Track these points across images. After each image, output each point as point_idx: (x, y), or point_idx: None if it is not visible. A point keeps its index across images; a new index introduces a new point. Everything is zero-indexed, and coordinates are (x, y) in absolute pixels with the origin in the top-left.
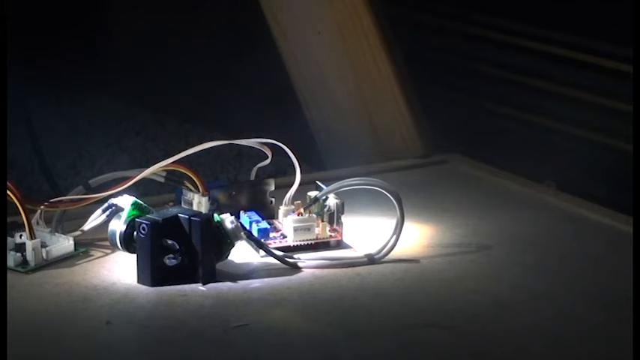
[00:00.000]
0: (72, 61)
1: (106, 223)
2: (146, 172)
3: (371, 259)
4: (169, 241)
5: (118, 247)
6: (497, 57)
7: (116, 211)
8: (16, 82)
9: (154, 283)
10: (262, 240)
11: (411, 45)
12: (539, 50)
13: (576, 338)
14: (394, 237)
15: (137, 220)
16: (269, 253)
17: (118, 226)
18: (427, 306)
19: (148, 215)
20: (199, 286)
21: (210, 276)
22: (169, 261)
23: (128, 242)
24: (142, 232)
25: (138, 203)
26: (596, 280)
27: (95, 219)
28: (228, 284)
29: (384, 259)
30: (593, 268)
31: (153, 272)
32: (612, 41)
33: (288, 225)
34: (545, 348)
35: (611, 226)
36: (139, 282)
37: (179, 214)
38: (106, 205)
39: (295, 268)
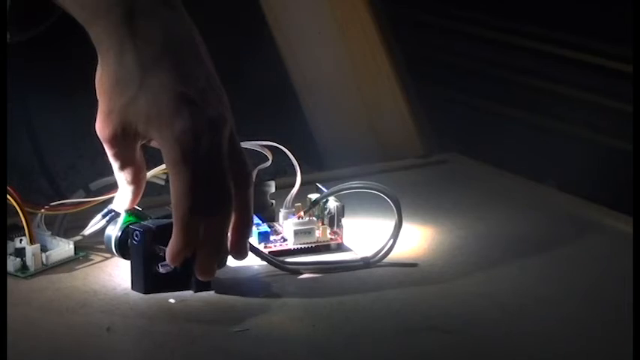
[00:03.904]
0: (72, 61)
1: (105, 228)
2: (146, 175)
3: (367, 263)
4: (162, 249)
5: (113, 252)
6: (498, 57)
7: (115, 216)
8: (16, 82)
9: (147, 290)
10: (261, 244)
11: (411, 45)
12: (539, 50)
13: (576, 339)
14: (391, 241)
15: (131, 226)
16: (266, 260)
17: (113, 231)
18: (428, 309)
19: (142, 222)
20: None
21: (204, 284)
22: (162, 268)
23: (123, 248)
24: (135, 239)
25: (134, 209)
26: (597, 281)
27: (95, 224)
28: (227, 290)
29: (382, 263)
30: (593, 268)
31: (146, 279)
32: (612, 41)
33: (288, 228)
34: (546, 350)
35: (611, 226)
36: (132, 289)
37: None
38: (105, 210)
39: (292, 273)
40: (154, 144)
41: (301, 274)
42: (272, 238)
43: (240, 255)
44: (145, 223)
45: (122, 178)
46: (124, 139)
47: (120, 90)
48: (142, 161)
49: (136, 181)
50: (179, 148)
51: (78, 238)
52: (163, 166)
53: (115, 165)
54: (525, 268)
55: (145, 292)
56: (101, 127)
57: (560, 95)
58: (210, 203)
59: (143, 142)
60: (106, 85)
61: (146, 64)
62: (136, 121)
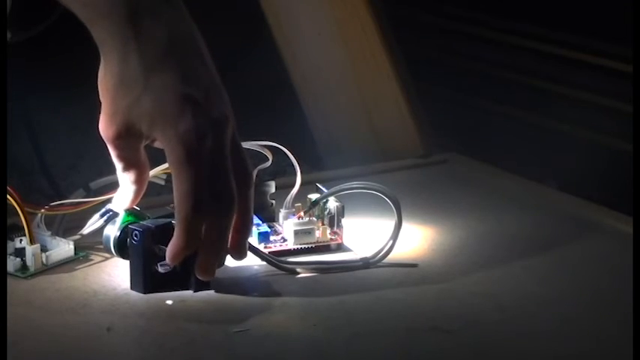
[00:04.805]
0: (73, 60)
1: (104, 227)
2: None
3: (366, 264)
4: (162, 248)
5: (112, 252)
6: (497, 57)
7: (113, 216)
8: (16, 82)
9: (147, 290)
10: (261, 244)
11: (411, 45)
12: (539, 50)
13: (576, 339)
14: (391, 241)
15: (130, 226)
16: (266, 260)
17: (112, 231)
18: (428, 309)
19: (141, 222)
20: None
21: (203, 283)
22: (162, 268)
23: (122, 248)
24: (135, 238)
25: (133, 209)
26: (597, 281)
27: (93, 223)
28: (227, 290)
29: (382, 263)
30: (593, 268)
31: (145, 279)
32: (612, 41)
33: (288, 228)
34: (546, 350)
35: (611, 226)
36: (132, 289)
37: (172, 221)
38: (103, 209)
39: (290, 273)
40: (157, 144)
41: (300, 273)
42: (272, 238)
43: (239, 255)
44: (144, 222)
45: (125, 178)
46: (128, 140)
47: (124, 91)
48: (145, 162)
49: (138, 181)
50: (182, 148)
51: (76, 237)
52: (164, 166)
53: (118, 166)
54: (525, 268)
55: (145, 292)
56: (105, 128)
57: (560, 95)
58: (213, 203)
59: (147, 142)
60: (110, 85)
61: (150, 65)
62: (140, 122)
